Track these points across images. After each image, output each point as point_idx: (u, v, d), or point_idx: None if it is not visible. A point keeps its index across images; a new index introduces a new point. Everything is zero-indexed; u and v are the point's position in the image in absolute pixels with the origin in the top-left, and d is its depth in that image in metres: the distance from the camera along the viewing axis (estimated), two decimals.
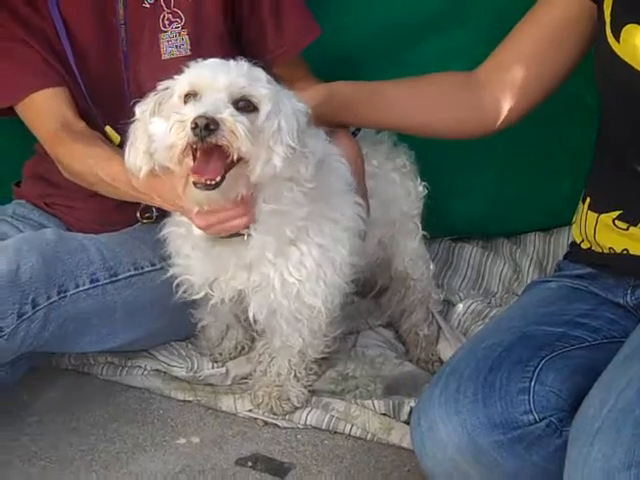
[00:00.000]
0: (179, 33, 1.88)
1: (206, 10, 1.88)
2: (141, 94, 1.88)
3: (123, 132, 1.88)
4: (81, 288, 1.84)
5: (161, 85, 1.62)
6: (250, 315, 1.80)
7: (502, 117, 1.81)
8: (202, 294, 1.81)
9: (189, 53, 1.88)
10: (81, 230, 2.03)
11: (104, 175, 1.78)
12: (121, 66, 1.90)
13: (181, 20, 1.87)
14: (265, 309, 1.78)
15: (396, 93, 1.85)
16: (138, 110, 1.62)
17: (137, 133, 1.62)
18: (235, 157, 1.51)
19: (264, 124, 1.55)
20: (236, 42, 1.95)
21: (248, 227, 1.66)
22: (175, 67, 1.84)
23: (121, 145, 1.90)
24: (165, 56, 1.89)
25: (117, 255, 1.92)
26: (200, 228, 1.66)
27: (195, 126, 1.46)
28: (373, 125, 1.92)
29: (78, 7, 1.87)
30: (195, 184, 1.52)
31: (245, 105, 1.54)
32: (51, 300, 1.78)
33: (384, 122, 1.88)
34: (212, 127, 1.46)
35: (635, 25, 1.53)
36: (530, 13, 1.75)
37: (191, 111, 1.49)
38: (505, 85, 1.77)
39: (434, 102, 1.84)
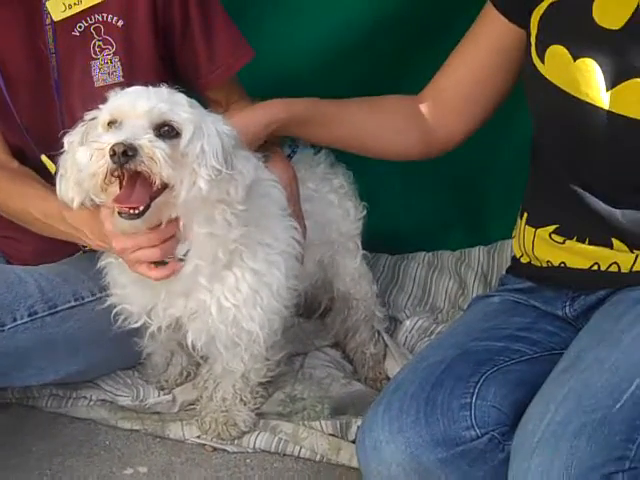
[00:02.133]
0: (110, 60, 1.86)
1: (137, 37, 1.87)
2: (75, 122, 1.87)
3: (54, 161, 1.87)
4: (19, 322, 1.80)
5: (88, 115, 1.62)
6: (188, 342, 1.79)
7: (446, 139, 1.86)
8: (140, 322, 1.79)
9: (122, 80, 1.86)
10: (21, 261, 2.01)
11: (37, 213, 1.77)
12: (53, 95, 1.88)
13: (112, 47, 1.85)
14: (203, 335, 1.77)
15: (348, 113, 1.87)
16: (66, 141, 1.62)
17: (66, 164, 1.61)
18: (158, 183, 1.50)
19: (187, 148, 1.54)
20: (170, 67, 1.94)
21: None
22: (107, 94, 1.84)
23: (56, 173, 1.89)
24: (97, 83, 1.86)
25: (56, 286, 1.90)
26: (117, 252, 1.64)
27: (113, 153, 1.46)
28: (324, 142, 1.94)
29: (7, 37, 1.84)
30: (120, 213, 1.52)
31: (168, 130, 1.54)
32: None
33: (334, 140, 1.91)
34: (130, 153, 1.46)
35: (558, 46, 1.57)
36: (463, 40, 1.79)
37: (110, 138, 1.48)
38: (445, 111, 1.82)
39: (384, 126, 1.88)
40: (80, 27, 1.84)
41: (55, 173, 1.85)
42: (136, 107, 1.53)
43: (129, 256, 1.62)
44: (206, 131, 1.57)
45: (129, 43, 1.86)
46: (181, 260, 1.65)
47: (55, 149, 1.83)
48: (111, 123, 1.55)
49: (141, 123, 1.52)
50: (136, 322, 1.80)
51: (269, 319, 1.78)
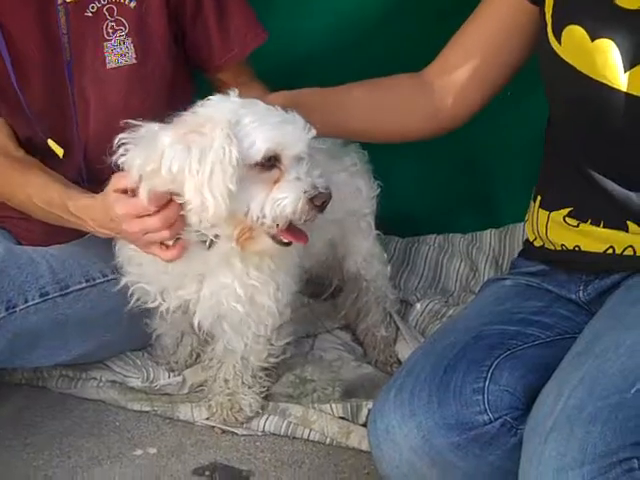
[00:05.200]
0: (123, 41, 1.84)
1: (150, 18, 1.85)
2: (86, 104, 1.86)
3: (66, 144, 1.87)
4: (30, 303, 1.80)
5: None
6: (195, 322, 1.79)
7: (451, 116, 1.82)
8: (157, 302, 1.79)
9: (134, 62, 1.85)
10: (32, 242, 2.00)
11: (40, 202, 1.77)
12: (65, 77, 1.86)
13: (125, 28, 1.84)
14: (210, 316, 1.78)
15: (352, 98, 1.84)
16: (219, 145, 1.51)
17: (215, 168, 1.51)
18: None
19: None
20: (181, 49, 1.93)
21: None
22: (120, 76, 1.82)
23: (65, 157, 1.88)
24: (110, 65, 1.84)
25: (67, 267, 1.89)
26: (128, 236, 1.64)
27: (321, 204, 1.56)
28: (331, 132, 1.87)
29: (18, 18, 1.82)
30: (275, 238, 1.59)
31: None
32: None
33: (340, 129, 1.86)
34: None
35: (576, 26, 1.54)
36: (473, 15, 1.76)
37: (315, 186, 1.56)
38: (453, 86, 1.78)
39: (391, 105, 1.84)
40: (93, 8, 1.83)
41: (64, 156, 1.86)
42: (300, 142, 1.57)
43: (141, 239, 1.62)
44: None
45: (141, 24, 1.85)
46: (212, 241, 1.66)
47: (66, 132, 1.85)
48: (269, 157, 1.56)
49: (306, 160, 1.58)
50: (153, 302, 1.79)
51: (282, 293, 1.78)
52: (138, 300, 1.82)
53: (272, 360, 1.94)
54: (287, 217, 1.56)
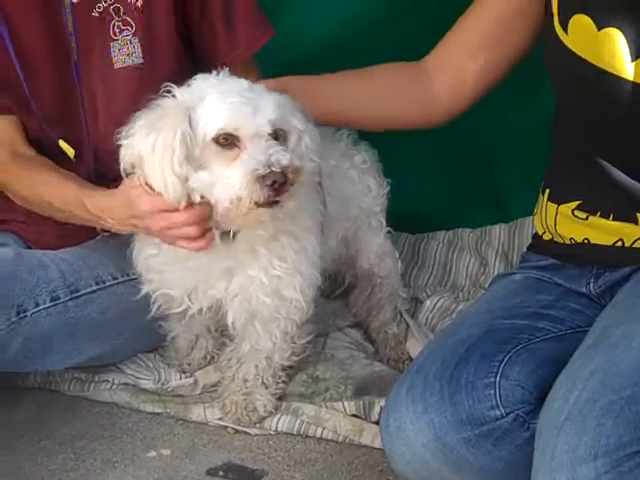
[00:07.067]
0: (130, 41, 1.84)
1: (157, 17, 1.85)
2: (94, 104, 1.87)
3: (77, 145, 1.87)
4: (41, 307, 1.80)
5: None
6: (229, 321, 1.79)
7: (450, 106, 1.82)
8: (183, 307, 1.79)
9: (141, 61, 1.86)
10: (41, 246, 2.00)
11: (55, 201, 1.78)
12: (73, 77, 1.86)
13: (132, 28, 1.84)
14: (244, 314, 1.77)
15: (344, 84, 1.84)
16: (170, 126, 1.53)
17: (164, 149, 1.53)
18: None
19: (294, 148, 1.60)
20: (189, 47, 1.93)
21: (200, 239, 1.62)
22: (127, 76, 1.83)
23: (76, 157, 1.89)
24: (117, 65, 1.85)
25: (77, 270, 1.89)
26: (151, 232, 1.63)
27: (273, 183, 1.48)
28: (322, 118, 1.84)
29: (26, 20, 1.83)
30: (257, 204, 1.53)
31: (277, 135, 1.57)
32: (10, 321, 1.75)
33: (332, 116, 1.84)
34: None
35: (582, 15, 1.54)
36: (477, 2, 1.75)
37: (268, 165, 1.50)
38: (453, 75, 1.78)
39: (384, 93, 1.83)
40: (99, 8, 1.83)
41: (75, 157, 1.86)
42: (256, 122, 1.53)
43: (166, 234, 1.62)
44: (304, 129, 1.62)
45: (148, 23, 1.85)
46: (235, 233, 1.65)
47: (76, 133, 1.86)
48: (225, 136, 1.54)
49: (267, 139, 1.53)
50: (178, 306, 1.80)
51: (307, 285, 1.78)
52: (160, 307, 1.83)
53: (294, 358, 1.94)
54: (238, 197, 1.51)
